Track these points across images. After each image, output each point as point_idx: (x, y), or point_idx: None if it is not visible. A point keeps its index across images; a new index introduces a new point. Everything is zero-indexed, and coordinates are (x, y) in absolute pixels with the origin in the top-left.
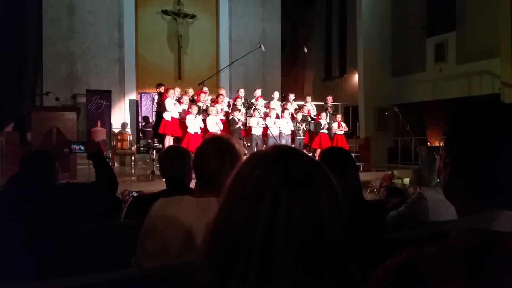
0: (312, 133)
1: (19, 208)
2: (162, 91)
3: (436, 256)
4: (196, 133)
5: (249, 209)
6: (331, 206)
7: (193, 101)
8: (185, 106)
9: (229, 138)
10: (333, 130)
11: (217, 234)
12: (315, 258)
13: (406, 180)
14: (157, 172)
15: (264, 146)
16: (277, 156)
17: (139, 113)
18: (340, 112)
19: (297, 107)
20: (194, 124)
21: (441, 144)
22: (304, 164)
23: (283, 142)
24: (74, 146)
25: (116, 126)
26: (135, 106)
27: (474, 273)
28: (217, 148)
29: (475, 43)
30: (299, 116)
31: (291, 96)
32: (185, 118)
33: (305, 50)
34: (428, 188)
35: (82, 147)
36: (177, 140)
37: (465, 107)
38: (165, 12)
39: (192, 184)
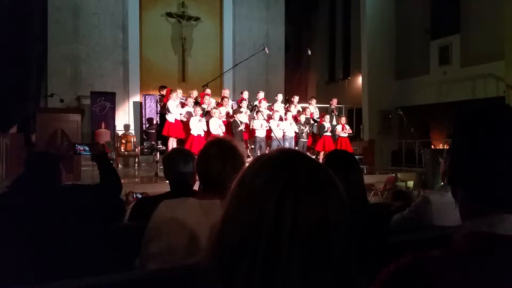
0: (316, 136)
1: (24, 210)
2: (165, 93)
3: (440, 259)
4: (199, 135)
5: (254, 213)
6: (336, 210)
7: (197, 103)
8: (190, 109)
9: (232, 140)
10: (336, 133)
11: (222, 237)
12: (320, 262)
13: (410, 183)
14: (160, 173)
15: (268, 148)
16: (282, 160)
17: (143, 115)
18: (344, 114)
19: (300, 109)
20: (197, 126)
21: (445, 147)
22: (310, 168)
23: (287, 144)
24: (78, 147)
25: (120, 128)
26: (139, 108)
27: (478, 276)
28: (220, 150)
29: (480, 46)
30: (302, 118)
31: (296, 99)
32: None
33: (309, 52)
34: (432, 192)
35: (86, 148)
36: (180, 142)
37: (468, 110)
38: (169, 14)
39: (196, 186)
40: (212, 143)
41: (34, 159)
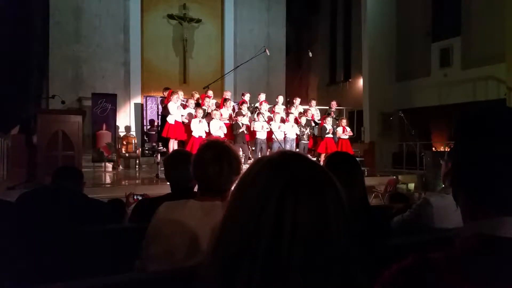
0: (317, 138)
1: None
2: (167, 95)
3: (441, 262)
4: (200, 136)
5: (255, 214)
6: (336, 211)
7: (198, 105)
8: (191, 110)
9: (225, 142)
10: (337, 135)
11: (223, 238)
12: (320, 263)
13: (411, 185)
14: (161, 175)
15: (269, 150)
16: (282, 161)
17: (144, 116)
18: (344, 116)
19: (301, 111)
20: (198, 128)
21: (446, 149)
22: (309, 169)
23: (288, 146)
24: None
25: (121, 129)
26: (140, 110)
27: (480, 278)
28: (214, 153)
29: (480, 48)
30: (303, 121)
31: (297, 100)
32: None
33: (310, 54)
34: (433, 194)
35: None
36: (181, 143)
37: (468, 113)
38: (170, 16)
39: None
40: (205, 146)
41: (62, 172)
